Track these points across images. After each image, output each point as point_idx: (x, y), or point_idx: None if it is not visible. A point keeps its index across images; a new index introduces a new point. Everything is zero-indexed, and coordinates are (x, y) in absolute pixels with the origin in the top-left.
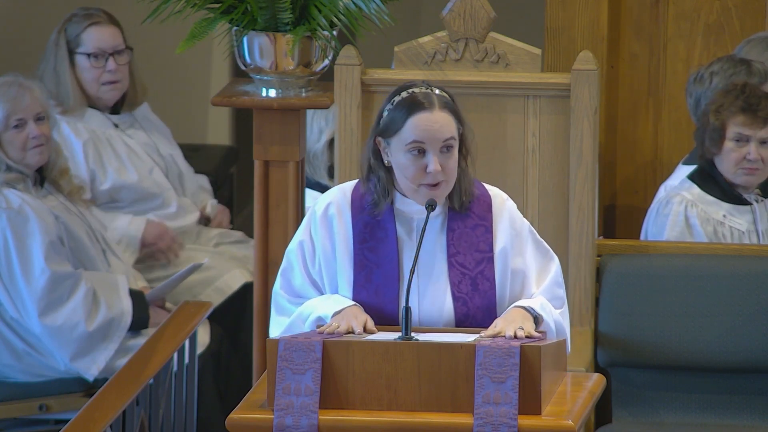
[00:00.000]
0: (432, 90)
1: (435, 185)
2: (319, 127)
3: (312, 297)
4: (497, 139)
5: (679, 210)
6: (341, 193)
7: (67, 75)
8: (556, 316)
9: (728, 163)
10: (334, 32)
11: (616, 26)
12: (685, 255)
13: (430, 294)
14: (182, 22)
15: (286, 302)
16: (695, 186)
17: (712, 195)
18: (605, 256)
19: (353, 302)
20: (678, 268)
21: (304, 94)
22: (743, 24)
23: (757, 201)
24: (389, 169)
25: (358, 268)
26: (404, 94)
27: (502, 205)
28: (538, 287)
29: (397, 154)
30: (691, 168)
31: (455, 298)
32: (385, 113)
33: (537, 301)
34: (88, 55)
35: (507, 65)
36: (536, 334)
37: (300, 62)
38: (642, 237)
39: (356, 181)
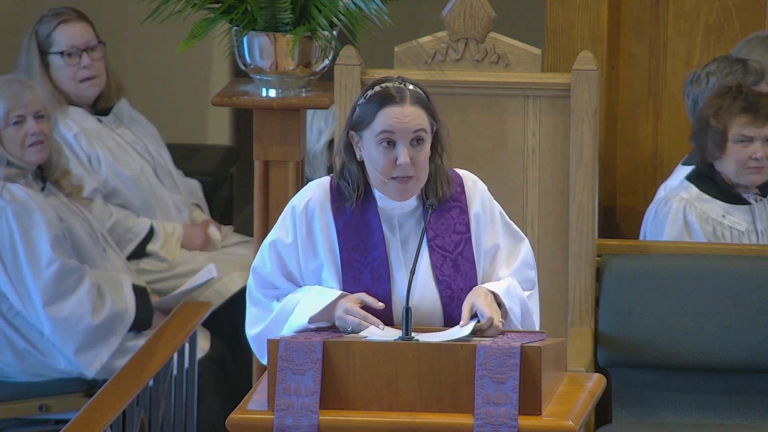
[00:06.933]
0: (405, 85)
1: (405, 179)
2: (318, 128)
3: (283, 287)
4: (497, 139)
5: (678, 209)
6: (320, 188)
7: (38, 77)
8: (523, 299)
9: (733, 164)
10: (334, 32)
11: (616, 26)
12: (685, 255)
13: (413, 279)
14: (182, 22)
15: (262, 296)
16: (693, 186)
17: (710, 195)
18: (605, 256)
19: (337, 294)
20: (678, 268)
21: (304, 94)
22: (743, 24)
23: (756, 200)
24: (361, 164)
25: (345, 268)
26: (377, 88)
27: (474, 186)
28: (508, 268)
29: (368, 146)
30: (691, 168)
31: (438, 281)
32: (358, 107)
33: (504, 285)
34: (61, 53)
35: (507, 65)
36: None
37: (300, 62)
38: (641, 237)
39: (332, 175)
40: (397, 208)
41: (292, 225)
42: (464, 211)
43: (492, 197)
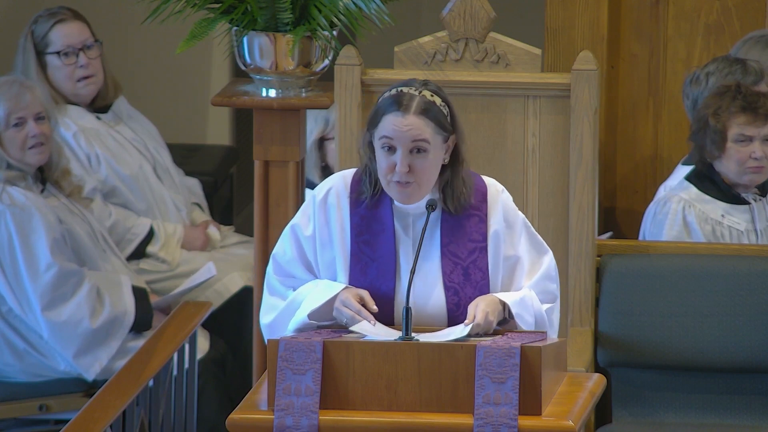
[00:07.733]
0: (421, 93)
1: (405, 184)
2: (309, 128)
3: (300, 276)
4: (497, 139)
5: (677, 210)
6: (342, 180)
7: (35, 78)
8: (539, 311)
9: (733, 164)
10: (334, 32)
11: (616, 26)
12: (684, 255)
13: (422, 283)
14: (182, 22)
15: (278, 283)
16: (692, 186)
17: (709, 195)
18: (605, 256)
19: (340, 288)
20: (678, 268)
21: (304, 94)
22: (743, 24)
23: (755, 200)
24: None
25: (354, 261)
26: (393, 91)
27: (497, 195)
28: (529, 280)
29: (376, 146)
30: (691, 168)
31: (446, 288)
32: (375, 106)
33: (518, 295)
34: (58, 53)
35: (507, 65)
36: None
37: (300, 62)
38: (640, 237)
39: (358, 168)
40: (411, 208)
41: (312, 214)
42: (483, 220)
43: (516, 207)
